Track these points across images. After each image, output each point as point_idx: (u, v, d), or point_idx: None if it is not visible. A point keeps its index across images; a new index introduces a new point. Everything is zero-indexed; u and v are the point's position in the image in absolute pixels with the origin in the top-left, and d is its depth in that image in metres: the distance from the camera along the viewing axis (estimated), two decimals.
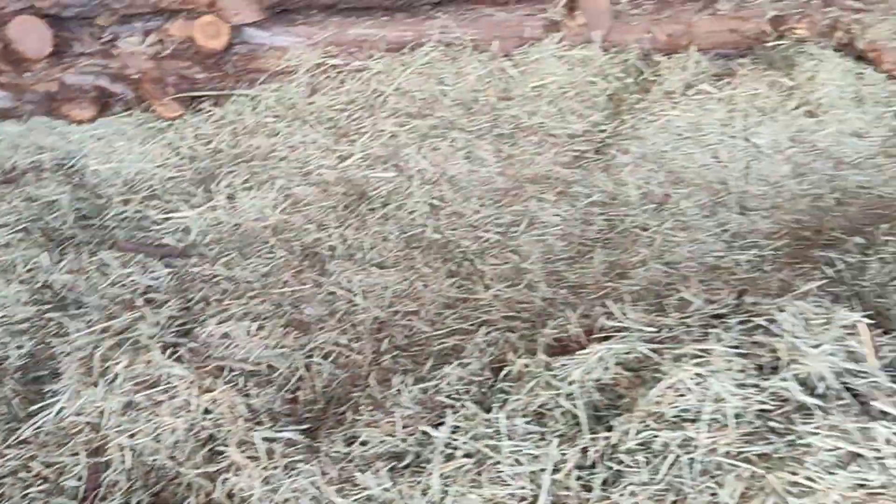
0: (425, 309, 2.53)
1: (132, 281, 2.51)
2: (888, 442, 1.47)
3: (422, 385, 2.00)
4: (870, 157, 3.30)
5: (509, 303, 2.56)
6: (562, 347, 1.94)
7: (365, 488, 1.70)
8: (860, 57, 3.67)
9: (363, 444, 1.83)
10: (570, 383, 1.81)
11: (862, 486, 1.46)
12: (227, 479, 1.81)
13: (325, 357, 2.26)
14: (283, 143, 3.18)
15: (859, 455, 1.47)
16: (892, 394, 1.58)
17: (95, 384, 2.04)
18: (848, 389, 1.61)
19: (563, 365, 1.85)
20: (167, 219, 2.81)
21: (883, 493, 1.45)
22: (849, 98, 3.45)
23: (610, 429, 1.72)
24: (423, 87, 3.35)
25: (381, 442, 1.82)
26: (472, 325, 2.43)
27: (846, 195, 3.14)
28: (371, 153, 3.14)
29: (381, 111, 3.28)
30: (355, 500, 1.69)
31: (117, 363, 2.07)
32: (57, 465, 1.94)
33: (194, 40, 3.13)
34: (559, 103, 3.43)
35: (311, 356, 2.25)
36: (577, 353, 1.84)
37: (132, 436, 1.95)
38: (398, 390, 2.00)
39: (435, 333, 2.42)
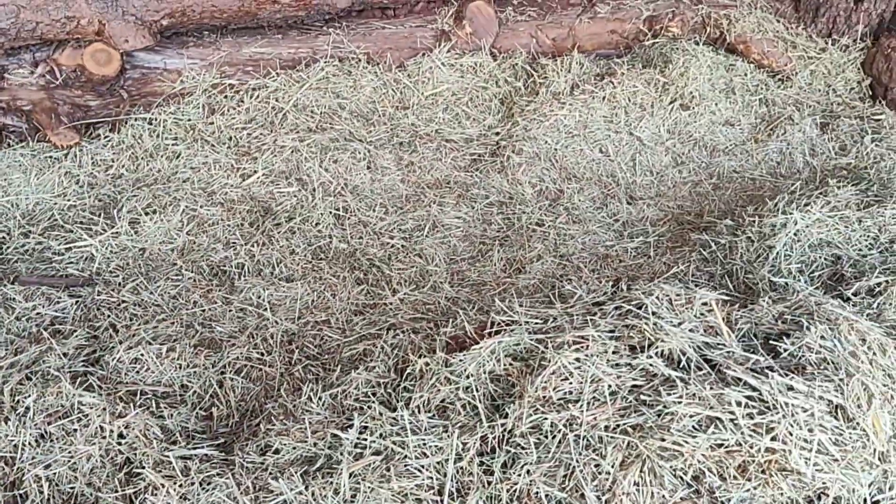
0: (335, 317, 2.63)
1: (37, 313, 2.51)
2: (739, 404, 1.67)
3: (331, 391, 2.11)
4: (740, 143, 3.58)
5: (415, 305, 2.69)
6: (458, 344, 2.08)
7: (279, 494, 1.79)
8: (730, 50, 3.97)
9: (276, 452, 1.92)
10: (467, 377, 1.95)
11: (721, 445, 1.65)
12: (145, 499, 1.87)
13: (238, 372, 2.33)
14: (185, 164, 3.21)
15: (716, 418, 1.67)
16: (744, 362, 1.79)
17: (7, 419, 2.06)
18: (707, 361, 1.81)
19: (460, 360, 1.99)
20: (69, 248, 2.80)
21: (739, 450, 1.64)
22: (719, 90, 3.73)
23: (505, 416, 1.86)
24: (321, 101, 3.43)
25: (294, 448, 1.92)
26: (380, 329, 2.55)
27: (722, 180, 3.41)
28: (273, 169, 3.21)
29: (280, 127, 3.34)
30: None
31: (27, 396, 2.09)
32: None
33: (85, 68, 3.11)
34: (454, 109, 3.58)
35: (223, 373, 2.32)
36: (472, 348, 1.98)
37: (48, 466, 1.98)
38: (308, 398, 2.09)
39: (345, 340, 2.52)
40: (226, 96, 3.37)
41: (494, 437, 1.86)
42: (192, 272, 2.74)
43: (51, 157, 3.20)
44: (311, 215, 3.05)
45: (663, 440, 1.65)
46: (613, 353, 1.82)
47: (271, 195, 3.12)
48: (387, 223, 3.09)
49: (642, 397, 1.74)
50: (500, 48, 3.75)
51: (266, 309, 2.60)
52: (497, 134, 3.55)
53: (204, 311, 2.59)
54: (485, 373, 1.95)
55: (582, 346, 1.84)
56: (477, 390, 1.94)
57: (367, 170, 3.29)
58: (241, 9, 3.24)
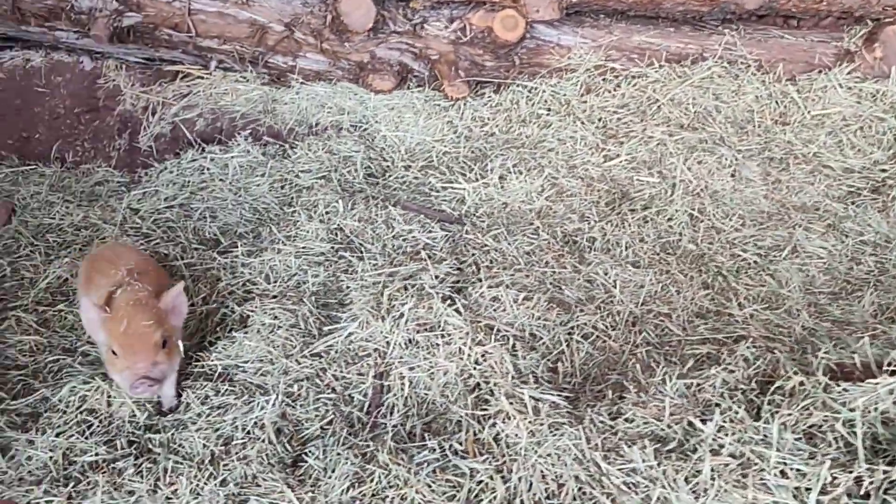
0: (677, 313, 2.57)
1: (413, 237, 2.78)
2: None
3: (685, 381, 2.05)
4: None
5: (766, 324, 2.53)
6: (844, 374, 1.90)
7: (629, 461, 1.79)
8: None
9: (628, 420, 1.92)
10: (852, 409, 1.78)
11: None
12: (495, 423, 1.97)
13: (584, 337, 2.38)
14: (554, 135, 3.34)
15: None
16: None
17: (383, 318, 2.30)
18: None
19: (845, 390, 1.82)
20: (445, 188, 3.06)
21: None
22: None
23: (892, 464, 1.67)
24: (698, 100, 3.35)
25: (646, 423, 1.90)
26: (727, 337, 2.44)
27: None
28: (637, 157, 3.21)
29: (651, 118, 3.33)
30: (620, 468, 1.78)
31: (403, 304, 2.32)
32: (345, 380, 2.22)
33: (492, 30, 3.37)
34: (839, 135, 3.29)
35: (570, 334, 2.38)
36: (865, 381, 1.80)
37: (411, 368, 2.19)
38: (663, 380, 2.06)
39: (686, 338, 2.45)
40: (604, 79, 3.44)
41: (872, 483, 1.67)
42: (546, 234, 2.85)
43: (439, 104, 3.52)
44: (667, 209, 3.01)
45: None
46: None
47: (630, 181, 3.13)
48: (742, 235, 2.94)
49: None
50: None
51: (614, 286, 2.61)
52: (884, 171, 3.20)
53: (554, 272, 2.67)
54: (875, 411, 1.76)
55: None
56: (860, 427, 1.76)
57: (730, 177, 3.15)
58: None
